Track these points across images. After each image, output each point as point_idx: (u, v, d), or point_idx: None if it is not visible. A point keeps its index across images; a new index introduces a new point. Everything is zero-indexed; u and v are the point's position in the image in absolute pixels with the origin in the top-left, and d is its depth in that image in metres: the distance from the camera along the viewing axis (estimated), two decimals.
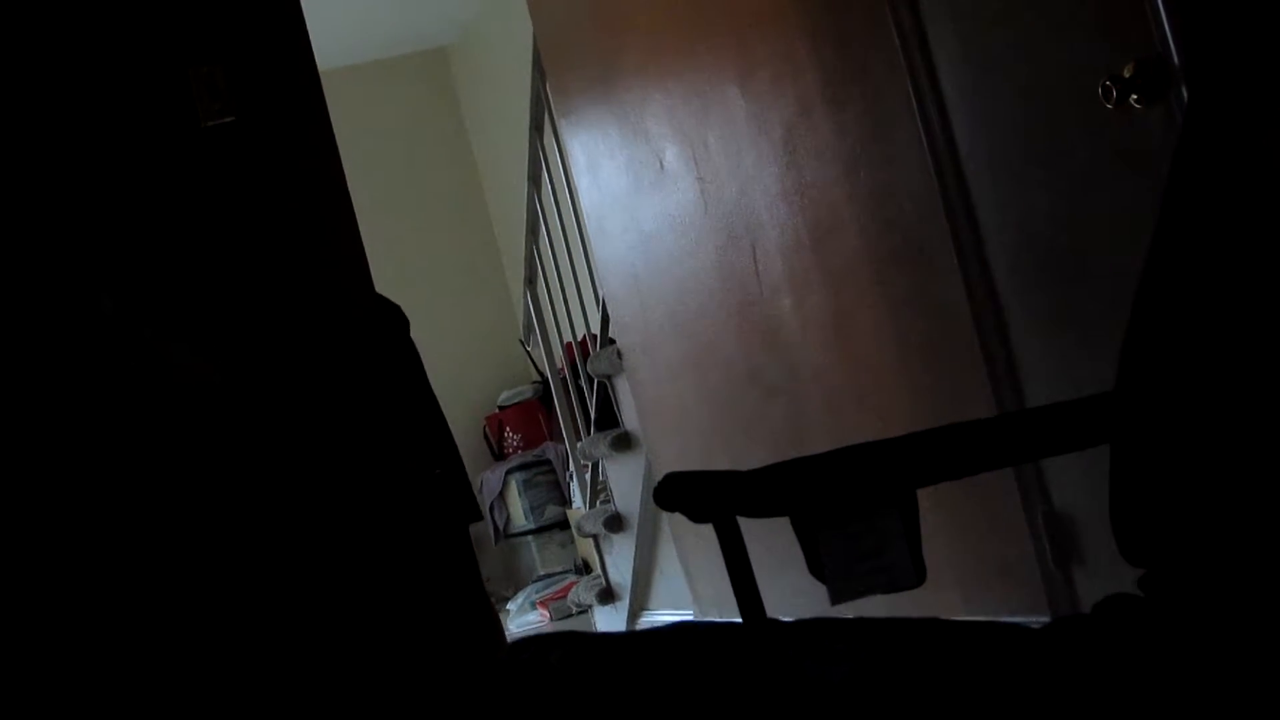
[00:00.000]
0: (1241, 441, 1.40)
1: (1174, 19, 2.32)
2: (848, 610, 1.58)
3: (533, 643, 1.36)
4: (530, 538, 7.82)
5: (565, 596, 6.93)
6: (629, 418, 5.17)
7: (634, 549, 5.34)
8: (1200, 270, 1.48)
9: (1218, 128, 1.49)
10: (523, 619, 7.02)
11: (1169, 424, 1.49)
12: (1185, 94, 2.32)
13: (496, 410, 8.42)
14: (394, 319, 3.55)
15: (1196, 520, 1.45)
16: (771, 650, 1.27)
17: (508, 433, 8.28)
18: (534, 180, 5.82)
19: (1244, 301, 1.42)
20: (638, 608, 5.43)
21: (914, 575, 1.64)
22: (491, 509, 7.94)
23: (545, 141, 5.58)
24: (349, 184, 3.40)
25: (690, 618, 4.73)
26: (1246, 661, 1.18)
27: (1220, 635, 1.26)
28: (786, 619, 1.54)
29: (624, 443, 5.23)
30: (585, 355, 5.56)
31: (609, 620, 5.54)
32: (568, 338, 6.04)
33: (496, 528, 7.97)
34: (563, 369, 6.07)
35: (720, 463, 4.03)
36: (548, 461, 7.81)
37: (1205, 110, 1.51)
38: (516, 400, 8.32)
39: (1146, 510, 1.51)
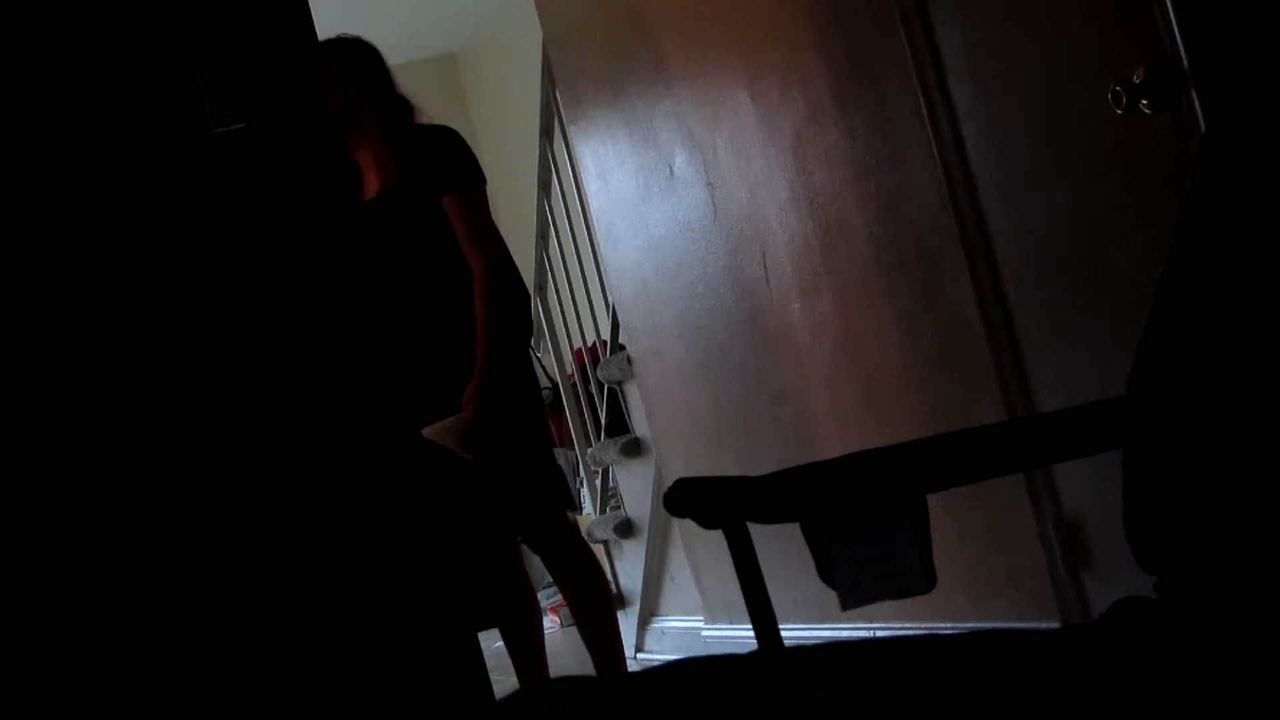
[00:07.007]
0: (1256, 447, 1.40)
1: (1184, 24, 2.32)
2: (858, 615, 1.58)
3: (533, 692, 1.34)
4: None
5: None
6: (639, 423, 5.17)
7: (644, 555, 5.34)
8: (1220, 277, 1.48)
9: (1240, 134, 1.49)
10: None
11: (1185, 429, 1.48)
12: (1195, 99, 2.32)
13: None
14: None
15: (1211, 526, 1.45)
16: (778, 682, 1.26)
17: None
18: (544, 186, 5.82)
19: (1261, 309, 1.42)
20: (648, 614, 5.43)
21: (924, 581, 1.64)
22: None
23: (555, 147, 5.58)
24: None
25: (700, 623, 4.73)
26: (1259, 667, 1.17)
27: (1234, 640, 1.26)
28: (793, 643, 1.54)
29: (634, 448, 5.23)
30: (595, 361, 5.56)
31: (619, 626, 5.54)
32: (578, 343, 6.04)
33: None
34: (573, 375, 6.07)
35: (730, 468, 4.02)
36: (558, 468, 7.79)
37: (1228, 116, 1.50)
38: None
39: (1161, 517, 1.51)
